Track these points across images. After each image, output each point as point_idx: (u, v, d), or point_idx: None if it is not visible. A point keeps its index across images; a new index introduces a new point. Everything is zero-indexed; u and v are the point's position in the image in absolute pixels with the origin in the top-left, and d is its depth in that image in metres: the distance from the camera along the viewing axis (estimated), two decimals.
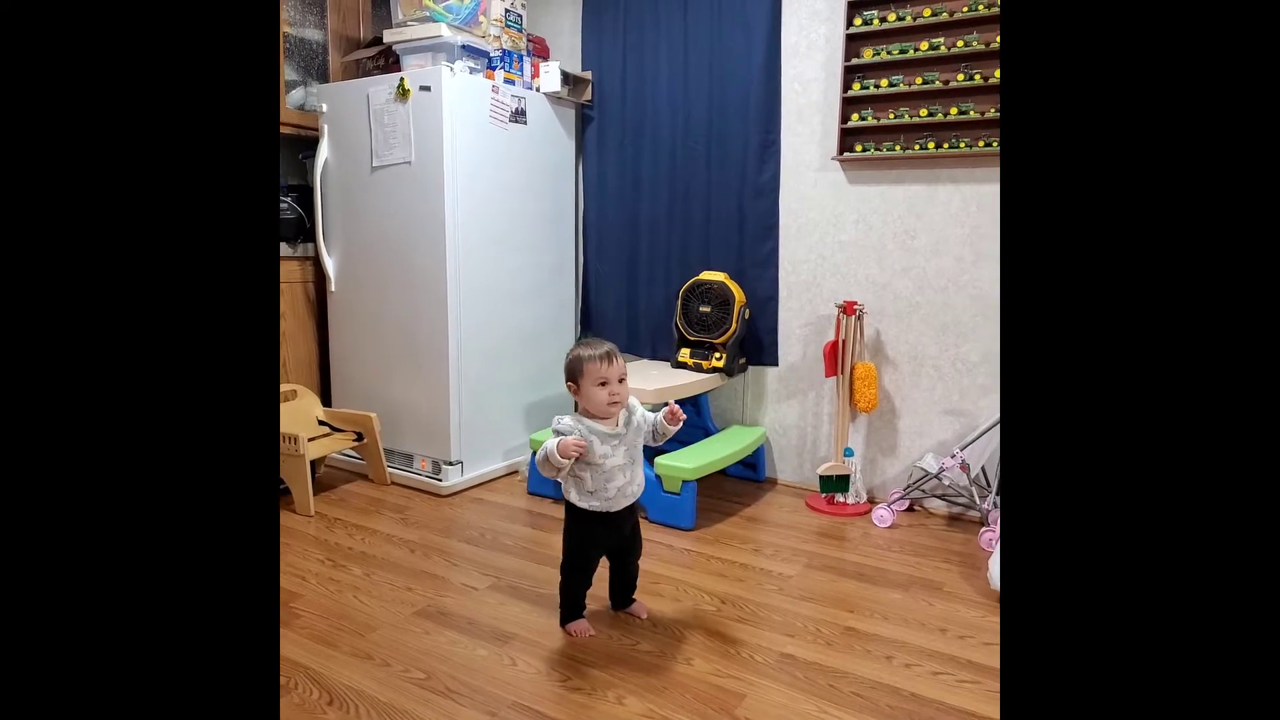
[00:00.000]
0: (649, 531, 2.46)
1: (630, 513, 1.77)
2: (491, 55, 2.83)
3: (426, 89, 2.60)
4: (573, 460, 1.61)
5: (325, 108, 2.87)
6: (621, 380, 1.65)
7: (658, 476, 2.50)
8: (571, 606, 1.81)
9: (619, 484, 1.69)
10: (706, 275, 2.84)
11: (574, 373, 1.66)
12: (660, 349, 3.09)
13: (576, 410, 1.71)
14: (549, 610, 1.91)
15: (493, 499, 2.74)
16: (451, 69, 2.60)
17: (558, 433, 1.65)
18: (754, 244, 2.87)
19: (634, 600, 1.89)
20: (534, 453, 2.76)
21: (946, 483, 2.47)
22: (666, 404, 1.73)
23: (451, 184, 2.63)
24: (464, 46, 2.72)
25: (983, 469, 2.46)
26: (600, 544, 1.77)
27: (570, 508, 1.73)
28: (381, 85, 2.70)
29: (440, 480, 2.78)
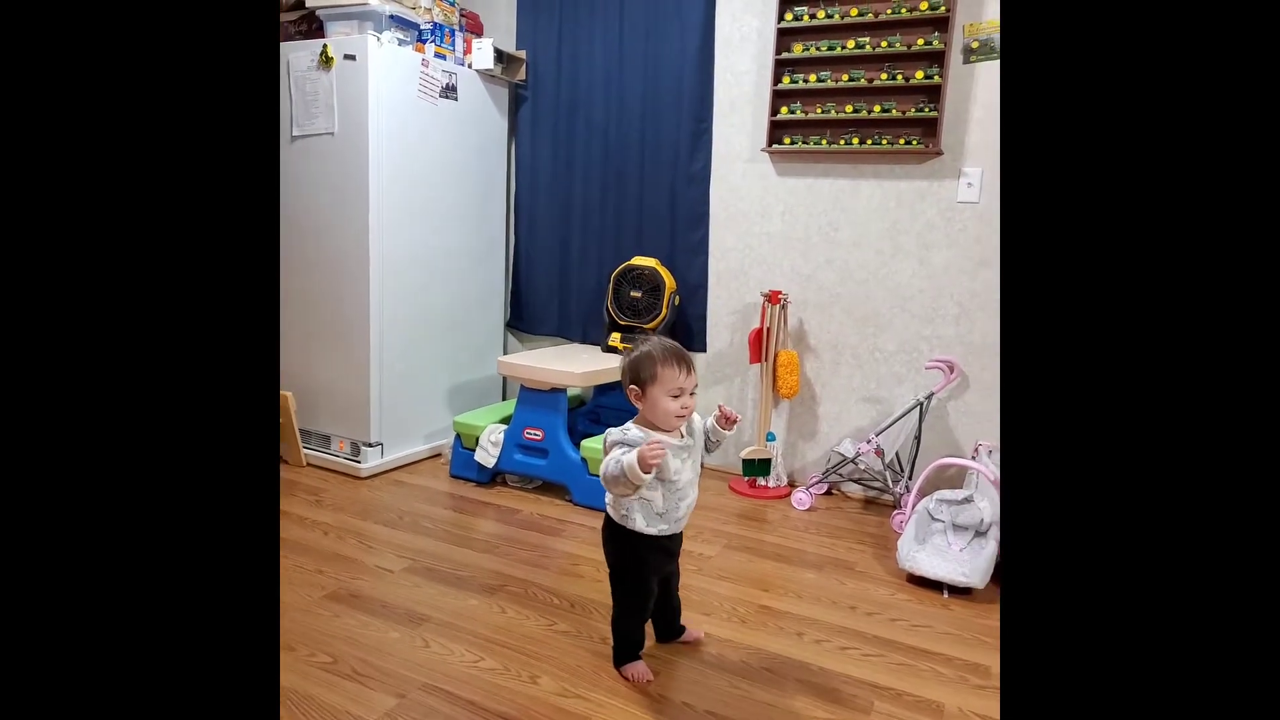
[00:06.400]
0: (574, 514, 2.46)
1: (681, 533, 1.58)
2: (422, 28, 2.75)
3: (351, 58, 2.51)
4: (653, 475, 1.38)
5: None
6: (693, 393, 1.45)
7: (583, 459, 2.50)
8: (631, 646, 1.58)
9: (689, 501, 1.51)
10: (638, 260, 2.85)
11: (640, 375, 1.43)
12: (591, 333, 3.09)
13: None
14: (467, 592, 1.89)
15: (414, 481, 2.69)
16: (379, 39, 2.52)
17: (621, 444, 1.42)
18: (685, 231, 2.89)
19: (684, 627, 1.71)
20: (458, 435, 2.72)
21: (862, 467, 2.56)
22: (718, 408, 1.53)
23: (376, 157, 2.56)
24: (392, 17, 2.64)
25: (896, 454, 2.55)
26: (660, 572, 1.57)
27: (626, 537, 1.50)
28: (303, 51, 2.59)
29: (359, 462, 2.70)
